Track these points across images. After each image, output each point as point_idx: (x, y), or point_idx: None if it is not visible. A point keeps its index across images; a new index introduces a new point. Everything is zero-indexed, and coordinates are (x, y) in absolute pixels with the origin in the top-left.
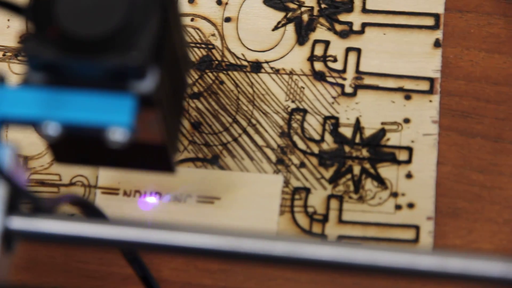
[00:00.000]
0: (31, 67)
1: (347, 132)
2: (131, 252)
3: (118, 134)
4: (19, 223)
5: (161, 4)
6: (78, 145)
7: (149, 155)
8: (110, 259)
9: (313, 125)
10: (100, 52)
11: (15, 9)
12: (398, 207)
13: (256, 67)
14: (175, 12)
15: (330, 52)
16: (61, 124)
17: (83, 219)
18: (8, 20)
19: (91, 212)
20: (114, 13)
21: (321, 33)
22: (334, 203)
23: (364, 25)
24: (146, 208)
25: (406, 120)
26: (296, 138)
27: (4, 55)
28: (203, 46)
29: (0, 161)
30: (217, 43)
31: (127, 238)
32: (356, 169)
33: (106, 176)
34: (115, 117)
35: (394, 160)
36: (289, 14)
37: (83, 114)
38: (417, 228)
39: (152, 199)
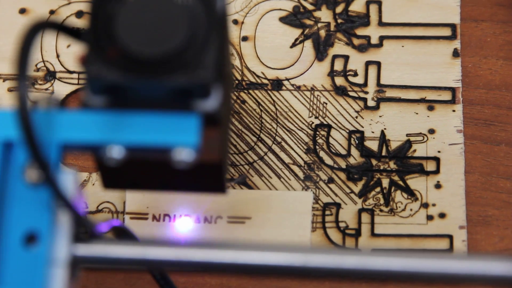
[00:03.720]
0: (92, 90)
1: (373, 145)
2: (163, 275)
3: (184, 154)
4: (83, 250)
5: (221, 22)
6: (131, 169)
7: (202, 175)
8: (141, 285)
9: (338, 140)
10: (164, 72)
11: (75, 34)
12: (429, 217)
13: (277, 84)
14: (227, 30)
15: (350, 66)
16: (124, 147)
17: (145, 243)
18: None
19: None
20: (176, 31)
21: (339, 48)
22: (365, 217)
23: (382, 38)
24: (182, 231)
25: (431, 131)
26: (322, 154)
27: None
28: None
29: (64, 188)
30: (236, 62)
31: (195, 259)
32: (385, 182)
33: (134, 201)
34: (181, 137)
35: (422, 171)
36: (306, 31)
37: (147, 135)
38: (450, 237)
39: (187, 222)
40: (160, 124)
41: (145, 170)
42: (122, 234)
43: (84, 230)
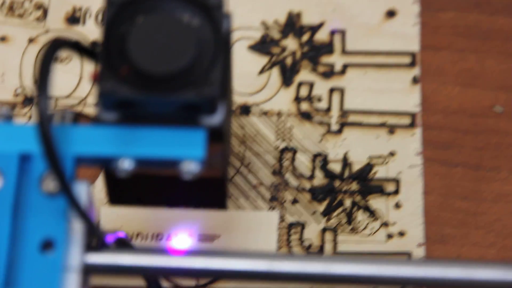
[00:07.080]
0: (104, 106)
1: (336, 167)
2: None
3: (191, 167)
4: (95, 258)
5: (226, 42)
6: (136, 185)
7: (205, 191)
8: None
9: (303, 162)
10: (173, 88)
11: (90, 53)
12: (389, 236)
13: (245, 109)
14: (231, 50)
15: (315, 92)
16: (135, 160)
17: (151, 251)
18: (2, 74)
19: None
20: (184, 51)
21: (305, 75)
22: (329, 235)
23: (345, 65)
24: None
25: (392, 153)
26: (288, 176)
27: None
28: None
29: (78, 199)
30: None
31: (197, 266)
32: (348, 202)
33: (108, 219)
34: (188, 150)
35: (382, 192)
36: (273, 58)
37: (157, 148)
38: (409, 254)
39: (184, 240)
40: (169, 138)
41: (150, 187)
42: (122, 245)
43: (95, 240)
